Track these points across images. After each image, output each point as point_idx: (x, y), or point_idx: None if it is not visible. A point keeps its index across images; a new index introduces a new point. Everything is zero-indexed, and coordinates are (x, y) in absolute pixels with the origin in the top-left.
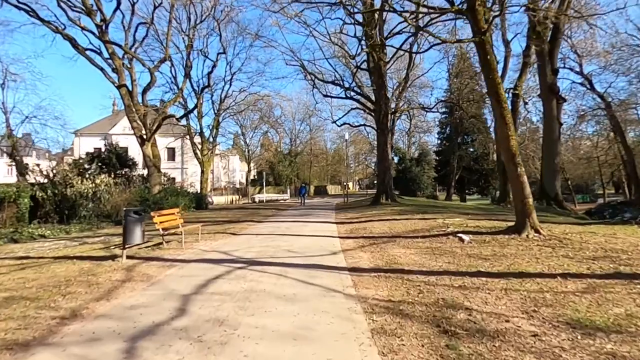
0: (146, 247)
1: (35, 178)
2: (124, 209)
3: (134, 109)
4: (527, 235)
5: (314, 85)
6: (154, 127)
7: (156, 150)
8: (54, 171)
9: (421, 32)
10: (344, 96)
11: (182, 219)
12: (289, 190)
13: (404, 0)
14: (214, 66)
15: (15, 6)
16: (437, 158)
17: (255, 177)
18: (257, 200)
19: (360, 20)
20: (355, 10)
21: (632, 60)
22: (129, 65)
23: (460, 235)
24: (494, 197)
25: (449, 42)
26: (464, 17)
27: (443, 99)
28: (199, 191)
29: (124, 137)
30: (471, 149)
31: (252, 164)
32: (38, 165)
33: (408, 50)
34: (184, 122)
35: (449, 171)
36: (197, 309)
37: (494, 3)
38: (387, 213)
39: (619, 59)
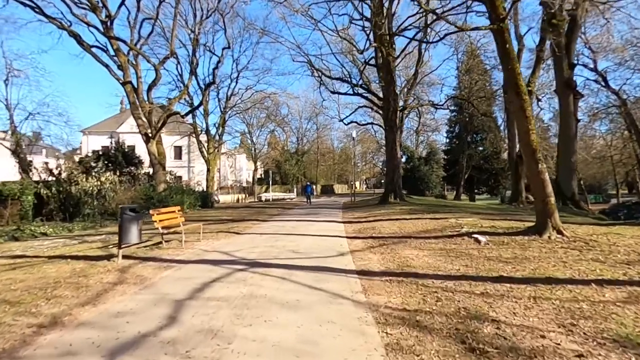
0: (145, 246)
1: (40, 175)
2: (120, 206)
3: (139, 106)
4: (549, 237)
5: (321, 81)
6: (159, 125)
7: (161, 148)
8: (59, 169)
9: (430, 27)
10: (352, 93)
11: (183, 217)
12: (295, 189)
13: None
14: (219, 62)
15: (21, 3)
16: (446, 157)
17: (262, 175)
18: (263, 199)
19: (368, 16)
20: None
21: None
22: (134, 62)
23: (476, 236)
24: (503, 196)
25: (465, 29)
26: (482, 2)
27: (452, 96)
28: (205, 190)
29: (131, 135)
30: (480, 148)
31: (258, 163)
32: (47, 163)
33: (420, 40)
34: (190, 119)
35: (458, 170)
36: (190, 317)
37: None
38: (396, 212)
39: (635, 54)
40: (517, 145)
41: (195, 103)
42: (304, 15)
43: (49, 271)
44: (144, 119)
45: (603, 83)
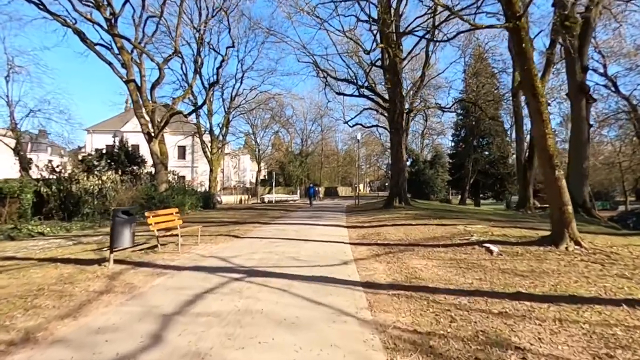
0: (140, 250)
1: (40, 174)
2: (112, 208)
3: (142, 105)
4: (566, 248)
5: (326, 82)
6: (162, 124)
7: (164, 148)
8: (59, 167)
9: (438, 28)
10: (358, 94)
11: (181, 219)
12: (299, 191)
13: None
14: (223, 61)
15: None
16: (451, 161)
17: (266, 177)
18: (266, 200)
19: (375, 17)
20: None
21: None
22: (138, 61)
23: (487, 245)
24: (509, 202)
25: (479, 27)
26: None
27: (459, 99)
28: (207, 190)
29: (136, 134)
30: (486, 152)
31: (262, 164)
32: (51, 161)
33: (429, 39)
34: (194, 119)
35: (463, 174)
36: (176, 336)
37: None
38: (401, 217)
39: None
40: (526, 150)
41: (200, 103)
42: (309, 15)
43: (35, 276)
44: (146, 117)
45: (613, 88)
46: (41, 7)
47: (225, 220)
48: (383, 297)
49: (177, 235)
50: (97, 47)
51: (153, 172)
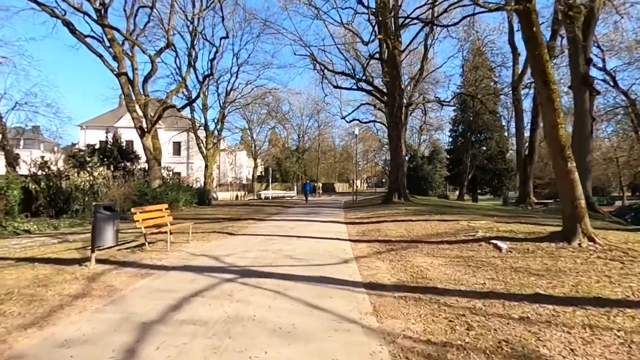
0: (127, 248)
1: (29, 169)
2: (93, 204)
3: (134, 99)
4: (579, 244)
5: (323, 75)
6: (155, 118)
7: (157, 143)
8: (49, 162)
9: (438, 20)
10: (356, 87)
11: (171, 216)
12: (295, 187)
13: None
14: (217, 52)
15: None
16: (449, 156)
17: (262, 173)
18: (262, 196)
19: (373, 8)
20: None
21: None
22: (130, 54)
23: (495, 241)
24: (506, 198)
25: (485, 8)
26: None
27: (459, 93)
28: (202, 186)
29: (130, 130)
30: (484, 147)
31: (259, 160)
32: (43, 157)
33: (428, 24)
34: (188, 114)
35: (461, 170)
36: (153, 350)
37: None
38: (400, 213)
39: None
40: (526, 145)
41: (194, 97)
42: (306, 5)
43: (8, 278)
44: (139, 112)
45: (612, 82)
46: None
47: (219, 216)
48: (389, 299)
49: (164, 232)
50: (89, 40)
51: (146, 168)
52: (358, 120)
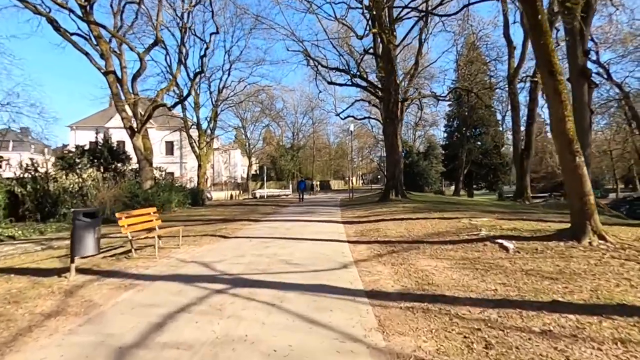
0: (112, 255)
1: (14, 172)
2: (72, 209)
3: (123, 98)
4: (589, 243)
5: (317, 71)
6: (145, 117)
7: (148, 142)
8: (35, 164)
9: (432, 13)
10: (351, 83)
11: (160, 219)
12: (291, 186)
13: None
14: (207, 48)
15: None
16: (444, 152)
17: (257, 172)
18: (257, 195)
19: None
20: None
21: None
22: (118, 51)
23: (500, 241)
24: (501, 192)
25: None
26: None
27: (454, 87)
28: (196, 186)
29: (121, 130)
30: (479, 143)
31: (253, 159)
32: (32, 159)
33: (424, 14)
34: (181, 113)
35: (457, 165)
36: None
37: None
38: (399, 211)
39: (638, 46)
40: (522, 139)
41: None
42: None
43: None
44: (128, 111)
45: (606, 75)
46: None
47: (213, 218)
48: (394, 311)
49: (151, 237)
50: (75, 38)
51: (137, 168)
52: (353, 117)
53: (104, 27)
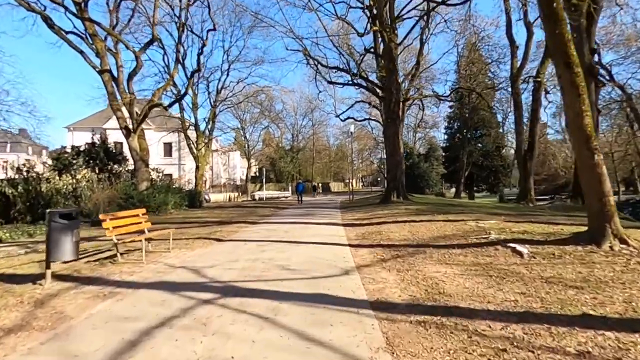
0: (96, 260)
1: (6, 173)
2: (48, 210)
3: (118, 97)
4: (610, 247)
5: (317, 70)
6: (141, 117)
7: (144, 143)
8: (26, 165)
9: (435, 10)
10: (351, 82)
11: (149, 222)
12: (290, 188)
13: None
14: (204, 46)
15: None
16: (445, 154)
17: (256, 173)
18: (256, 197)
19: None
20: None
21: None
22: (114, 50)
23: (513, 245)
24: (502, 194)
25: None
26: None
27: (457, 87)
28: (194, 188)
29: (119, 131)
30: (480, 144)
31: (252, 160)
32: (28, 160)
33: (426, 14)
34: (178, 113)
35: (458, 167)
36: None
37: None
38: (401, 213)
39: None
40: (526, 140)
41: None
42: None
43: None
44: (124, 111)
45: (608, 77)
46: None
47: (209, 220)
48: (404, 326)
49: (147, 240)
50: (71, 37)
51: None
52: (353, 118)
53: (98, 24)
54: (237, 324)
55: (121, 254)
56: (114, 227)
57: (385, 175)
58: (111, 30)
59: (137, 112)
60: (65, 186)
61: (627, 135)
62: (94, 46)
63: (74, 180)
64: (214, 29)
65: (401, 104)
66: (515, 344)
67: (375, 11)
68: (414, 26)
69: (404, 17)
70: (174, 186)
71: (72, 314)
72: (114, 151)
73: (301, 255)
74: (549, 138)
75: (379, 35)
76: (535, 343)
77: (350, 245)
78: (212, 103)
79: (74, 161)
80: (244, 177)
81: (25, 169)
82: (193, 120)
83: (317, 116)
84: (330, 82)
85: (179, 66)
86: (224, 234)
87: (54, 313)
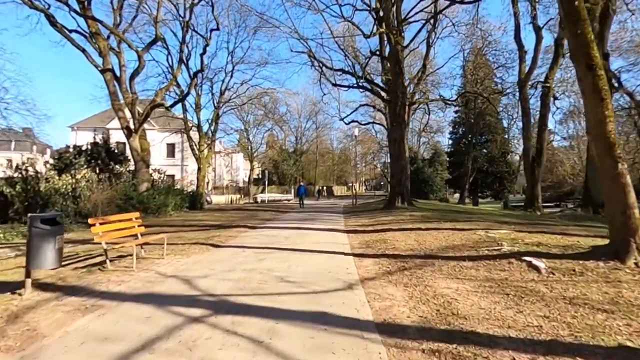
0: (84, 267)
1: (4, 172)
2: (29, 215)
3: (120, 97)
4: (635, 264)
5: (321, 72)
6: (143, 117)
7: (145, 143)
8: (25, 164)
9: (442, 13)
10: (356, 85)
11: (142, 226)
12: (292, 190)
13: None
14: (207, 45)
15: None
16: (449, 159)
17: (259, 175)
18: (258, 200)
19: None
20: None
21: None
22: (117, 50)
23: (528, 259)
24: (506, 201)
25: None
26: None
27: (463, 92)
28: (195, 190)
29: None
30: (484, 150)
31: (255, 163)
32: (29, 159)
33: (433, 15)
34: (181, 114)
35: (462, 173)
36: None
37: None
38: (406, 220)
39: None
40: (534, 146)
41: (188, 96)
42: None
43: None
44: (125, 111)
45: (617, 84)
46: None
47: (209, 223)
48: (415, 356)
49: (139, 246)
50: (75, 36)
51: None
52: (357, 122)
53: (101, 22)
54: (227, 349)
55: (111, 260)
56: (104, 232)
57: (389, 180)
58: (114, 29)
59: (139, 112)
60: (64, 186)
61: (635, 143)
62: (97, 45)
63: (74, 180)
64: (218, 29)
65: (407, 107)
66: None
67: (381, 13)
68: (420, 29)
69: (411, 20)
70: (175, 187)
71: (46, 331)
72: (116, 151)
73: (301, 266)
74: (554, 145)
75: (385, 38)
76: None
77: (353, 254)
78: (216, 104)
79: (75, 161)
80: (246, 179)
81: (24, 167)
82: (196, 122)
83: (321, 119)
84: (335, 85)
85: (183, 67)
86: (222, 239)
87: (26, 330)
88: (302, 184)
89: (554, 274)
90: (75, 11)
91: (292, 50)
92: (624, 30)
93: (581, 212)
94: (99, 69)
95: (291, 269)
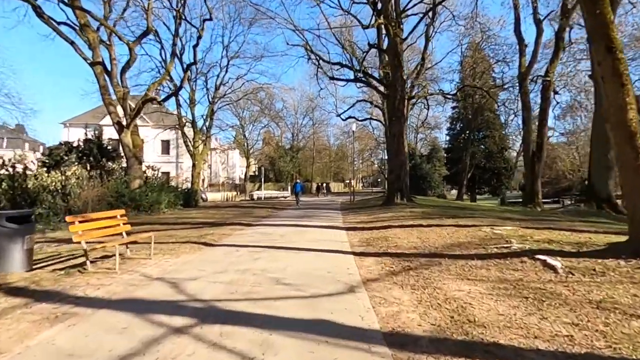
0: (63, 268)
1: None
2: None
3: (111, 91)
4: None
5: (318, 66)
6: (134, 112)
7: (137, 139)
8: (11, 161)
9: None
10: (354, 79)
11: (127, 224)
12: (289, 187)
13: None
14: (199, 37)
15: None
16: (447, 155)
17: (256, 172)
18: (255, 197)
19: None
20: None
21: None
22: (107, 42)
23: (542, 257)
24: (504, 197)
25: None
26: None
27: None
28: (190, 187)
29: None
30: (482, 146)
31: (252, 159)
32: (20, 155)
33: (431, 7)
34: (174, 110)
35: (460, 169)
36: None
37: None
38: (406, 216)
39: None
40: (534, 141)
41: (182, 91)
42: None
43: None
44: (116, 106)
45: None
46: None
47: (202, 221)
48: None
49: (125, 245)
50: (64, 29)
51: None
52: (354, 118)
53: (90, 13)
54: None
55: (93, 261)
56: (83, 231)
57: (387, 176)
58: (103, 20)
59: (131, 107)
60: (53, 183)
61: None
62: (86, 37)
63: (63, 177)
64: (210, 19)
65: (406, 101)
66: None
67: (379, 5)
68: (419, 21)
69: (409, 12)
70: (169, 184)
71: (4, 346)
72: (108, 147)
73: (298, 265)
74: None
75: (384, 31)
76: None
77: (354, 253)
78: (210, 100)
79: (66, 157)
80: (243, 176)
81: (10, 164)
82: (190, 117)
83: (317, 115)
84: (332, 79)
85: (177, 61)
86: (215, 237)
87: None
88: (298, 181)
89: (572, 274)
90: (63, 2)
91: (288, 44)
92: (624, 24)
93: (584, 208)
94: (89, 62)
95: (288, 270)
